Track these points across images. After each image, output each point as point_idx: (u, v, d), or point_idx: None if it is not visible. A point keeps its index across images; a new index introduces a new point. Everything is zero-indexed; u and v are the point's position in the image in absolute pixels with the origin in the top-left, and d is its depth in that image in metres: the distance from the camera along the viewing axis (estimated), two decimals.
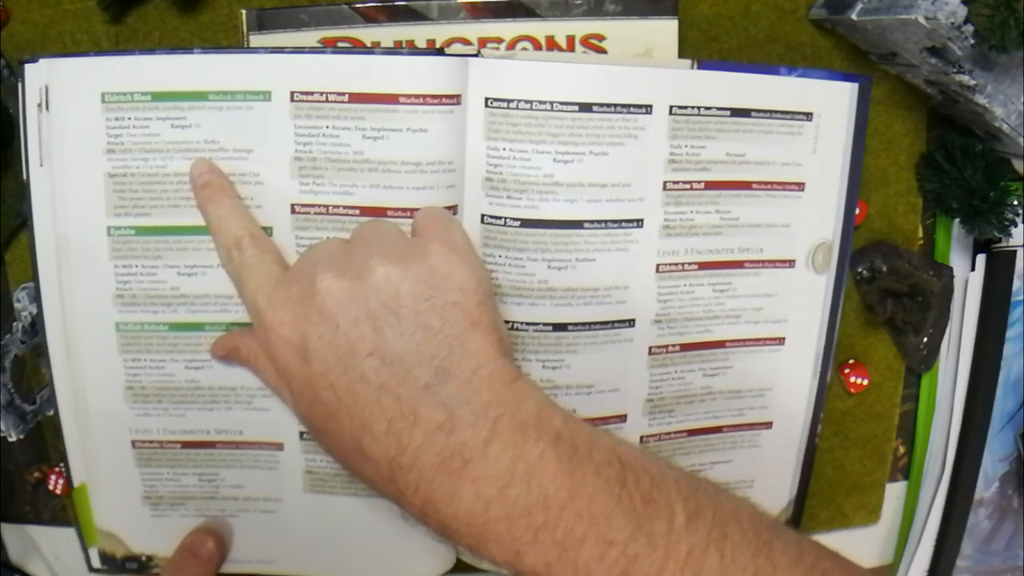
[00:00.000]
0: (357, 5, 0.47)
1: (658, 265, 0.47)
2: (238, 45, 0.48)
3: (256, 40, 0.47)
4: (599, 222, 0.45)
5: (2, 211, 0.50)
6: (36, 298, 0.46)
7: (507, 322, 0.46)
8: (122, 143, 0.43)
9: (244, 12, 0.47)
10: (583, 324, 0.46)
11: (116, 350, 0.46)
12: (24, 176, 0.44)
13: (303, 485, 0.47)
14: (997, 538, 0.59)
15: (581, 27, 0.48)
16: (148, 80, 0.42)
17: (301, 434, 0.46)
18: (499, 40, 0.47)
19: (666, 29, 0.48)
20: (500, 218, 0.44)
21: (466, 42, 0.47)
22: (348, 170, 0.43)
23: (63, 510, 0.55)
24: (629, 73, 0.44)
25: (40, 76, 0.43)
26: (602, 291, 0.46)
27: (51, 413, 0.51)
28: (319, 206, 0.43)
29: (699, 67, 0.45)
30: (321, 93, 0.42)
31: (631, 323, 0.47)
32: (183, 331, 0.45)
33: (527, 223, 0.44)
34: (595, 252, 0.45)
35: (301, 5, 0.47)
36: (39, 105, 0.43)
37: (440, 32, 0.47)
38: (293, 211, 0.43)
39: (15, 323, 0.50)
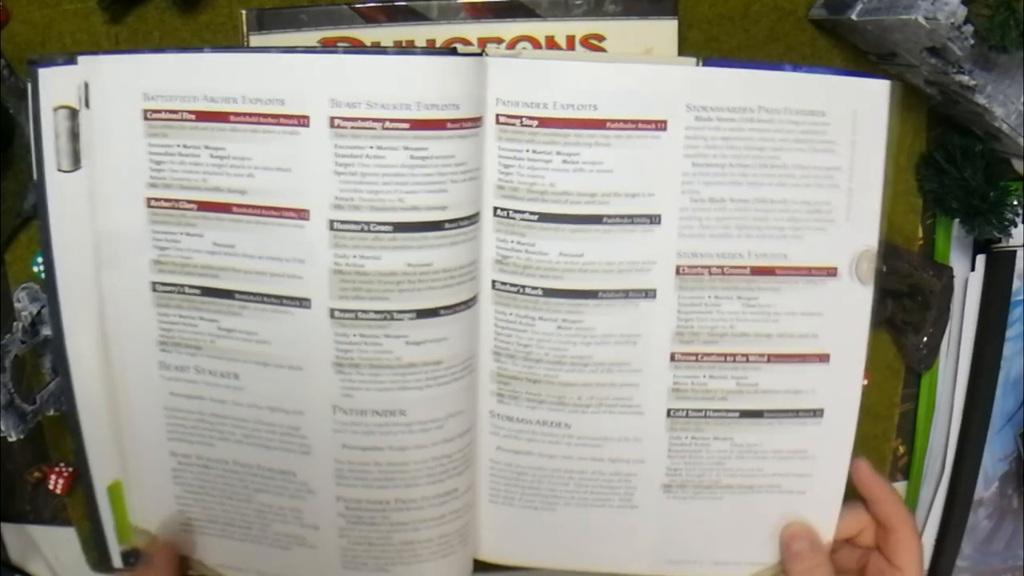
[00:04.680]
0: (357, 5, 0.47)
1: (678, 267, 0.46)
2: (238, 45, 0.48)
3: (256, 40, 0.47)
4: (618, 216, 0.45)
5: (2, 211, 0.50)
6: (51, 301, 0.45)
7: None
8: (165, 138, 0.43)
9: (244, 12, 0.47)
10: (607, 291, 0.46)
11: (157, 379, 0.46)
12: (36, 175, 0.44)
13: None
14: (997, 538, 0.59)
15: (581, 27, 0.48)
16: (185, 81, 0.42)
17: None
18: (499, 40, 0.48)
19: (666, 29, 0.48)
20: (511, 211, 0.45)
21: (466, 42, 0.47)
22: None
23: (63, 510, 0.55)
24: (651, 75, 0.43)
25: (78, 74, 0.42)
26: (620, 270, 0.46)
27: (51, 413, 0.51)
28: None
29: (708, 64, 0.44)
30: (371, 120, 0.41)
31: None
32: (224, 378, 0.46)
33: (545, 217, 0.44)
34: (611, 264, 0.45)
35: (301, 5, 0.47)
36: (79, 101, 0.43)
37: (440, 32, 0.47)
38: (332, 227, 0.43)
39: (15, 323, 0.50)
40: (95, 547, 0.49)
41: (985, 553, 0.59)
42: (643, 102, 0.43)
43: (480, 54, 0.42)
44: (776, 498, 0.49)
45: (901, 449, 0.58)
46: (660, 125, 0.44)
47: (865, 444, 0.56)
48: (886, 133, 0.45)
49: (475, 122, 0.43)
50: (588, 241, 0.45)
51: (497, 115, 0.43)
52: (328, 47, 0.47)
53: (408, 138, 0.41)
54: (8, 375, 0.49)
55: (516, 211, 0.44)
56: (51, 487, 0.53)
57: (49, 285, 0.45)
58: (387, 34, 0.47)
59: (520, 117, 0.43)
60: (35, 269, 0.51)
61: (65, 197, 0.44)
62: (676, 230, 0.45)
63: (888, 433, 0.57)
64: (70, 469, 0.54)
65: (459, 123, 0.42)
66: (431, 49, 0.47)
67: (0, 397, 0.49)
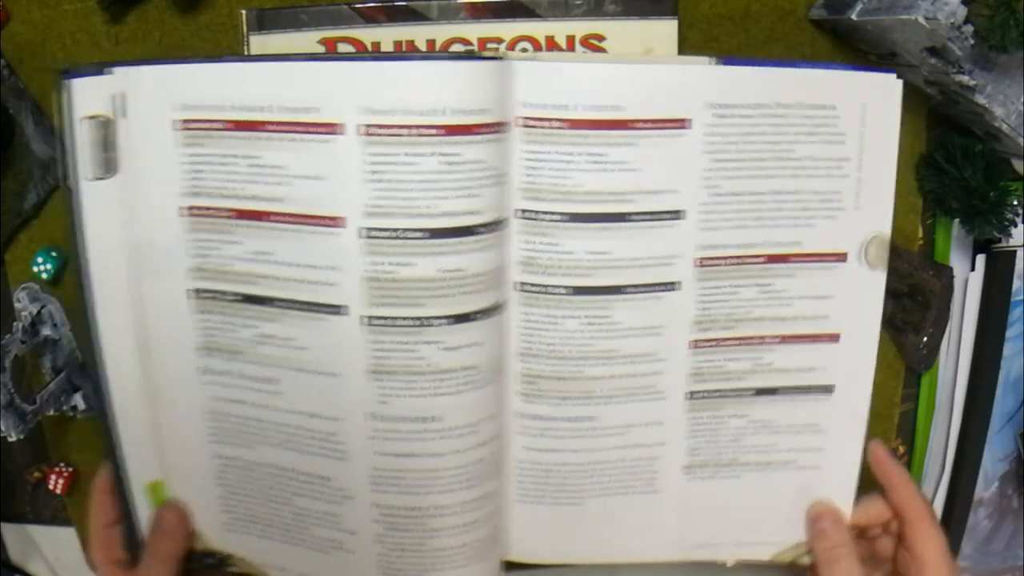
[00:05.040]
0: (357, 5, 0.47)
1: (699, 259, 0.47)
2: (238, 46, 0.48)
3: (256, 40, 0.47)
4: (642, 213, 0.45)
5: (2, 211, 0.50)
6: (84, 306, 0.45)
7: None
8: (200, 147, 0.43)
9: (244, 12, 0.47)
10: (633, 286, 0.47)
11: (198, 383, 0.46)
12: (71, 183, 0.44)
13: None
14: (997, 538, 0.59)
15: (581, 27, 0.48)
16: (220, 90, 0.42)
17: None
18: (499, 40, 0.48)
19: (666, 29, 0.48)
20: (539, 212, 0.45)
21: (466, 42, 0.47)
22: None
23: (63, 510, 0.55)
24: (674, 76, 0.44)
25: (112, 85, 0.43)
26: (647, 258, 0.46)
27: (51, 413, 0.51)
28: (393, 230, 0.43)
29: (725, 63, 0.44)
30: (402, 126, 0.41)
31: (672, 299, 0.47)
32: (263, 383, 0.46)
33: (574, 217, 0.45)
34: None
35: (301, 5, 0.47)
36: (115, 111, 0.43)
37: (440, 32, 0.47)
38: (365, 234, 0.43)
39: (15, 323, 0.50)
40: (127, 544, 0.49)
41: (985, 553, 0.59)
42: (666, 101, 0.44)
43: (498, 58, 0.42)
44: (792, 475, 0.50)
45: (901, 449, 0.58)
46: (683, 124, 0.44)
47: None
48: (898, 124, 0.47)
49: (503, 126, 0.43)
50: (614, 239, 0.45)
51: (522, 118, 0.43)
52: (330, 53, 0.47)
53: (440, 144, 0.41)
54: (8, 375, 0.50)
55: (543, 212, 0.45)
56: (51, 487, 0.53)
57: (81, 290, 0.45)
58: (387, 34, 0.47)
59: (546, 119, 0.43)
60: (35, 269, 0.51)
61: (97, 204, 0.44)
62: (697, 224, 0.46)
63: (888, 433, 0.57)
64: (70, 469, 0.54)
65: (489, 128, 0.42)
66: (459, 54, 0.47)
67: (0, 397, 0.49)
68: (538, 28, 0.48)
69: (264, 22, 0.47)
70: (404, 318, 0.43)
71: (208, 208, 0.44)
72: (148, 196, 0.44)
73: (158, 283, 0.45)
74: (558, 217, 0.44)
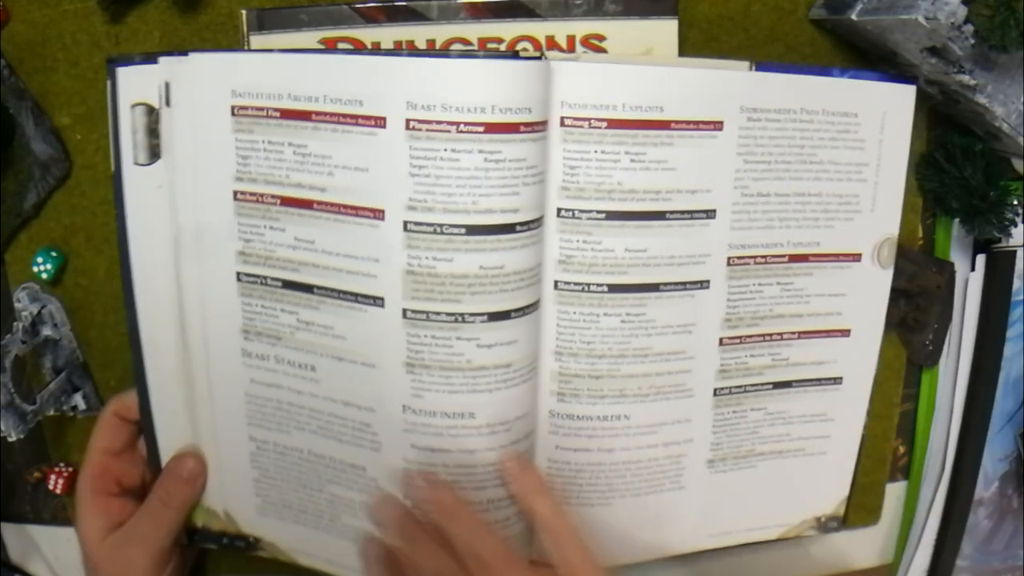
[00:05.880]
0: (357, 5, 0.47)
1: (729, 258, 0.48)
2: (238, 46, 0.48)
3: (256, 40, 0.47)
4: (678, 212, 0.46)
5: (2, 211, 0.50)
6: (125, 288, 0.46)
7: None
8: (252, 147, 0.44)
9: (244, 12, 0.47)
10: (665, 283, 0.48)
11: (240, 365, 0.47)
12: (114, 168, 0.45)
13: None
14: (997, 538, 0.59)
15: (581, 27, 0.48)
16: (271, 79, 0.43)
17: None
18: (499, 40, 0.48)
19: (666, 29, 0.48)
20: (578, 210, 0.45)
21: (466, 42, 0.47)
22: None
23: (63, 510, 0.55)
24: (711, 79, 0.45)
25: (159, 74, 0.43)
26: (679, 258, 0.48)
27: (51, 413, 0.51)
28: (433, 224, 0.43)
29: (759, 70, 0.46)
30: (446, 123, 0.41)
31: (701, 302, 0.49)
32: (301, 369, 0.46)
33: (611, 215, 0.46)
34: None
35: (301, 5, 0.47)
36: (160, 99, 0.44)
37: (440, 32, 0.47)
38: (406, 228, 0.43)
39: (15, 323, 0.50)
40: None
41: (985, 553, 0.59)
42: (703, 104, 0.45)
43: (539, 58, 0.43)
44: (801, 460, 0.53)
45: (901, 449, 0.58)
46: (717, 125, 0.46)
47: (865, 444, 0.56)
48: (910, 131, 0.50)
49: (543, 125, 0.43)
50: (652, 236, 0.46)
51: (562, 118, 0.44)
52: (378, 48, 0.47)
53: (483, 141, 0.41)
54: (8, 375, 0.50)
55: (582, 211, 0.45)
56: (51, 487, 0.53)
57: (123, 272, 0.46)
58: (387, 34, 0.47)
59: (588, 119, 0.44)
60: (35, 269, 0.51)
61: (141, 189, 0.45)
62: (728, 224, 0.47)
63: (888, 433, 0.57)
64: (70, 469, 0.54)
65: (531, 126, 0.42)
66: (503, 53, 0.47)
67: (0, 397, 0.49)
68: (538, 28, 0.48)
69: (264, 22, 0.47)
70: (441, 313, 0.44)
71: (254, 194, 0.44)
72: (198, 180, 0.45)
73: (208, 265, 0.46)
74: (598, 215, 0.45)
